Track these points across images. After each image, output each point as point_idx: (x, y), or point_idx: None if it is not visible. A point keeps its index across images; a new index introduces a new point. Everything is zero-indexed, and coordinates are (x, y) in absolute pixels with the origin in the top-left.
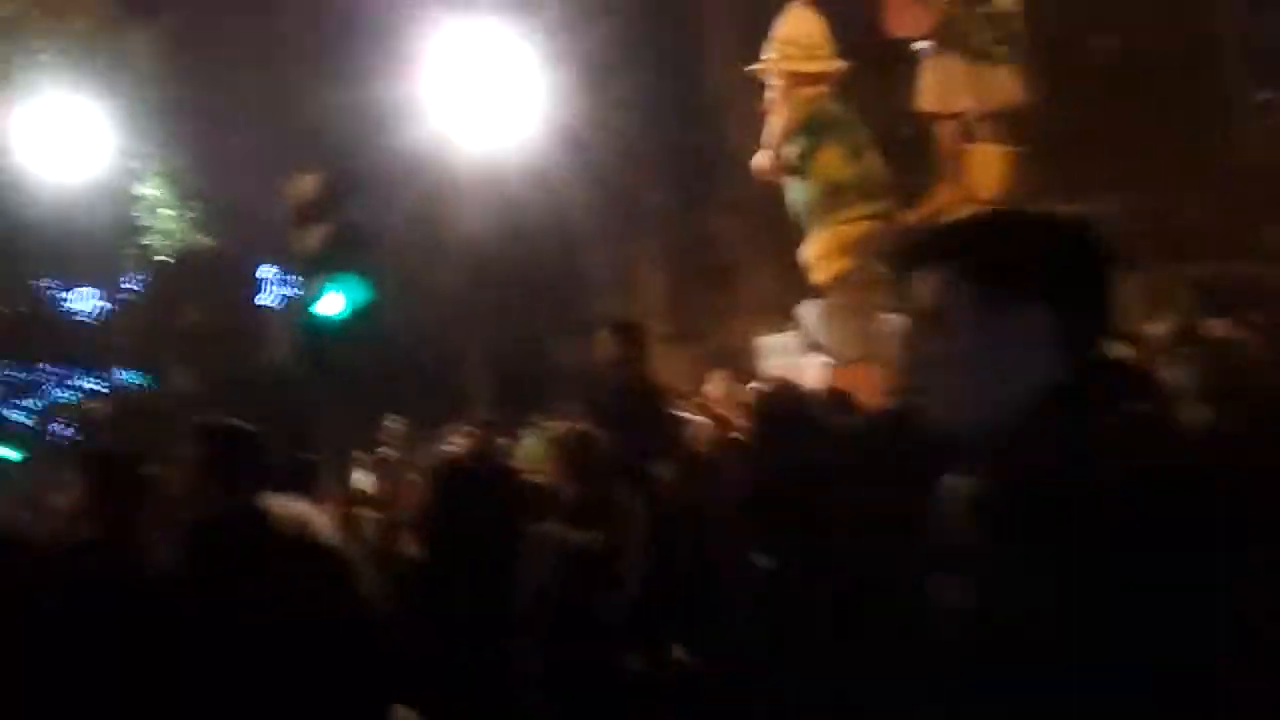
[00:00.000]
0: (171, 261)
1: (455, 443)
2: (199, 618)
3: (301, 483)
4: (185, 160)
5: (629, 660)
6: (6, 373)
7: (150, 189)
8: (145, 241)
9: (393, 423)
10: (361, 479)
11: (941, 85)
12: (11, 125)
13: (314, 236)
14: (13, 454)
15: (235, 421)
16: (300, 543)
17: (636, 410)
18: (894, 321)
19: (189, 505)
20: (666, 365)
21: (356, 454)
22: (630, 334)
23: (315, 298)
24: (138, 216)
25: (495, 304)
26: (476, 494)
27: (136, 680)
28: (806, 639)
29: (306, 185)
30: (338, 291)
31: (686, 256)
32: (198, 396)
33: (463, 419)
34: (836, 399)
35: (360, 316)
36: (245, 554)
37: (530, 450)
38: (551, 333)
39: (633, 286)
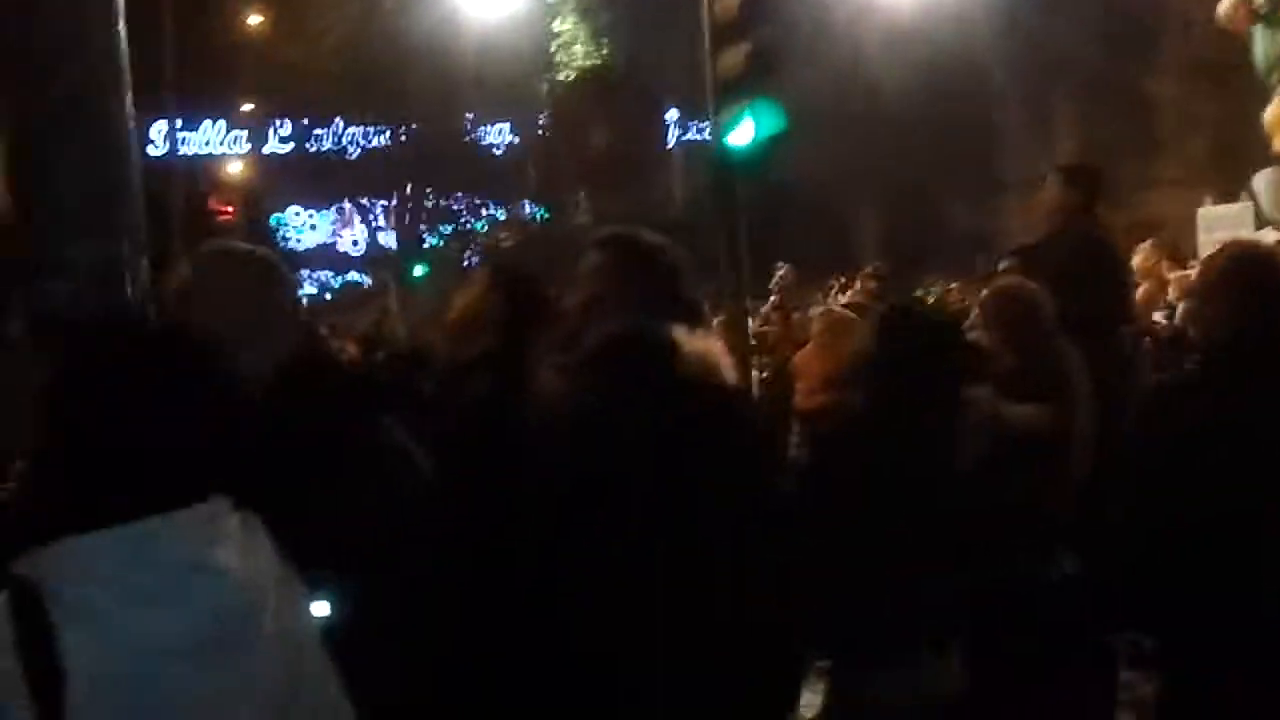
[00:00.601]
0: (581, 95)
1: (853, 292)
2: (590, 454)
3: (692, 323)
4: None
5: (1066, 562)
6: (427, 200)
7: (566, 24)
8: (559, 76)
9: (783, 268)
10: (749, 324)
11: None
12: None
13: (733, 57)
14: (424, 272)
15: (646, 234)
16: (707, 385)
17: (1086, 269)
18: None
19: (587, 325)
20: None
21: (746, 299)
22: (1083, 178)
23: (730, 125)
24: (552, 51)
25: (896, 154)
26: (925, 344)
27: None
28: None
29: (729, 2)
30: (752, 118)
31: (1113, 118)
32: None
33: (853, 270)
34: None
35: (768, 149)
36: (651, 385)
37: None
38: (952, 190)
39: (1049, 148)
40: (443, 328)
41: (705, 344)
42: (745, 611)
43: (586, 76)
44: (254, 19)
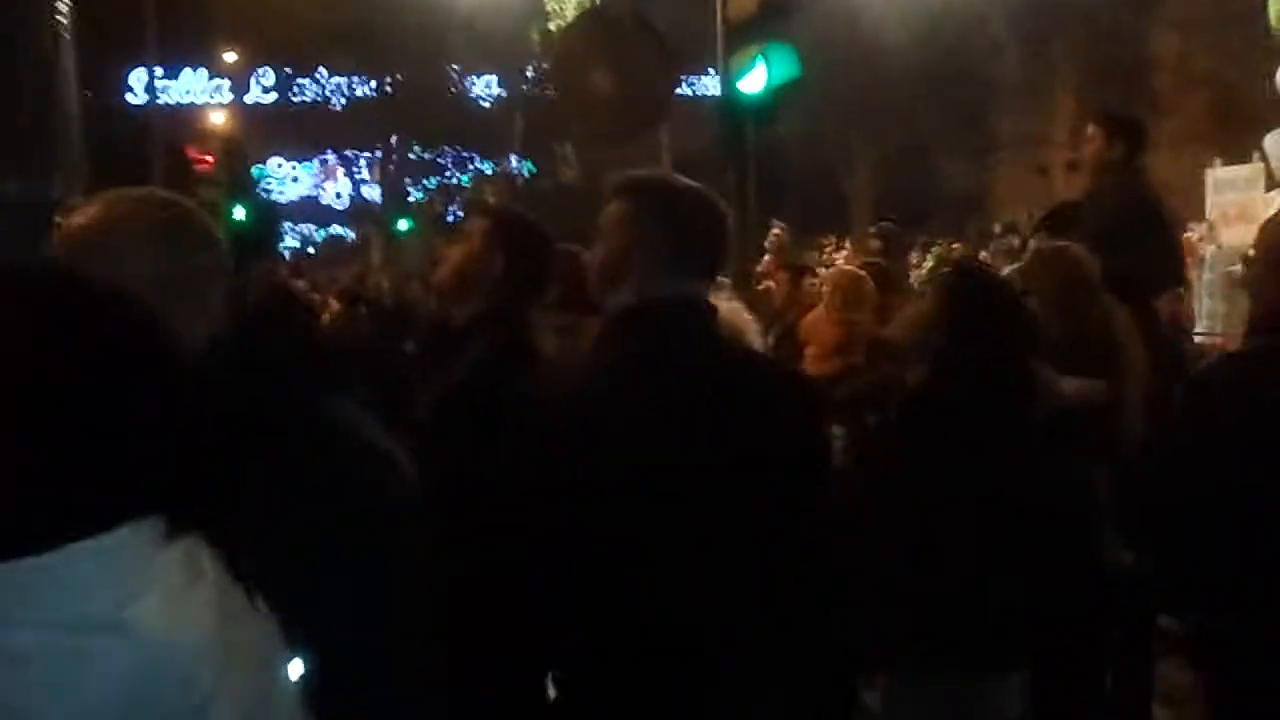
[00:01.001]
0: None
1: (850, 251)
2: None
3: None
4: None
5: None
6: (411, 152)
7: None
8: (550, 26)
9: (778, 226)
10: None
11: None
12: None
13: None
14: (408, 226)
15: (678, 179)
16: (754, 354)
17: (1133, 227)
18: None
19: (610, 284)
20: (1067, 196)
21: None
22: (1126, 130)
23: (742, 71)
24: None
25: (890, 109)
26: (997, 313)
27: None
28: None
29: None
30: (765, 63)
31: (1113, 74)
32: (583, 187)
33: (845, 229)
34: None
35: (779, 95)
36: (693, 351)
37: (927, 274)
38: (948, 148)
39: (1047, 104)
40: (433, 285)
41: (730, 307)
42: (800, 612)
43: (586, 18)
44: None
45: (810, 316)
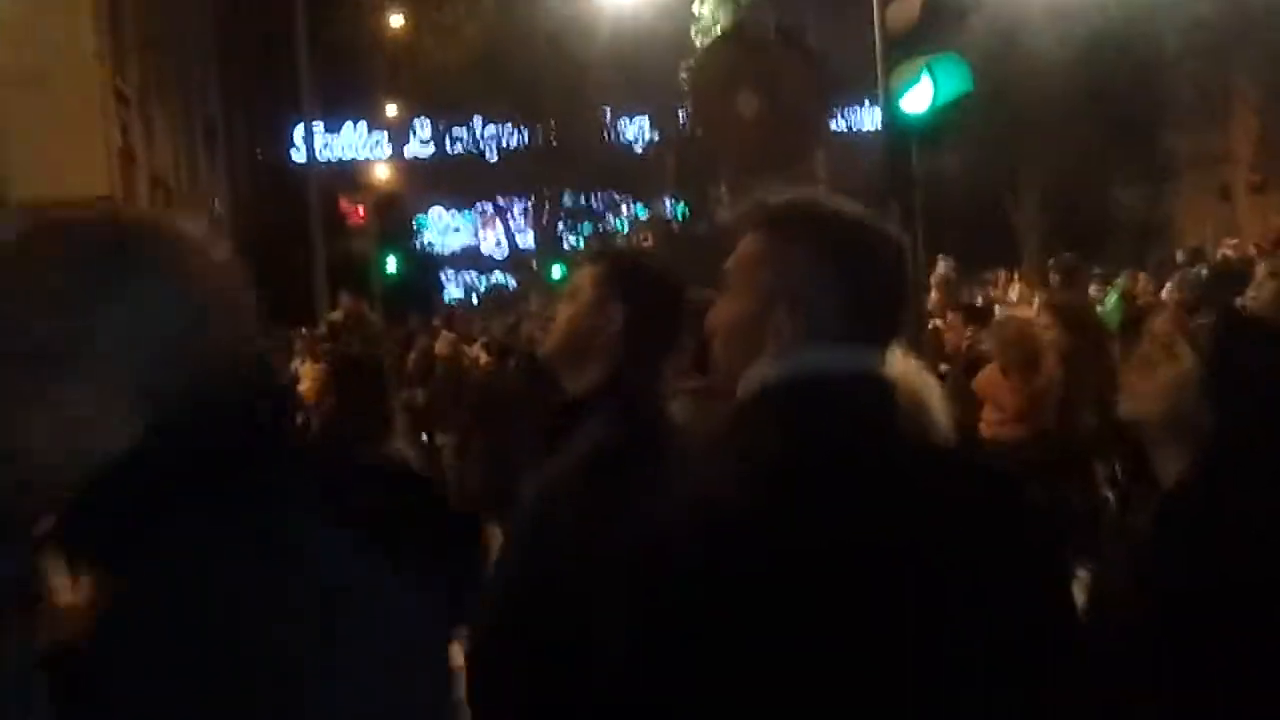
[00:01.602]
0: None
1: (1022, 286)
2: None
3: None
4: None
5: None
6: (564, 198)
7: (705, 6)
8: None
9: (945, 262)
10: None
11: None
12: None
13: (906, 6)
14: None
15: (843, 204)
16: (949, 450)
17: None
18: None
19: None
20: (1252, 219)
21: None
22: None
23: (904, 86)
24: (693, 36)
25: (1057, 136)
26: (1267, 350)
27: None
28: None
29: None
30: (930, 77)
31: None
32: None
33: (1014, 264)
34: None
35: (947, 115)
36: (865, 443)
37: (1110, 311)
38: (1119, 173)
39: (1223, 123)
40: (548, 349)
41: (907, 367)
42: None
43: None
44: (394, 19)
45: (987, 374)
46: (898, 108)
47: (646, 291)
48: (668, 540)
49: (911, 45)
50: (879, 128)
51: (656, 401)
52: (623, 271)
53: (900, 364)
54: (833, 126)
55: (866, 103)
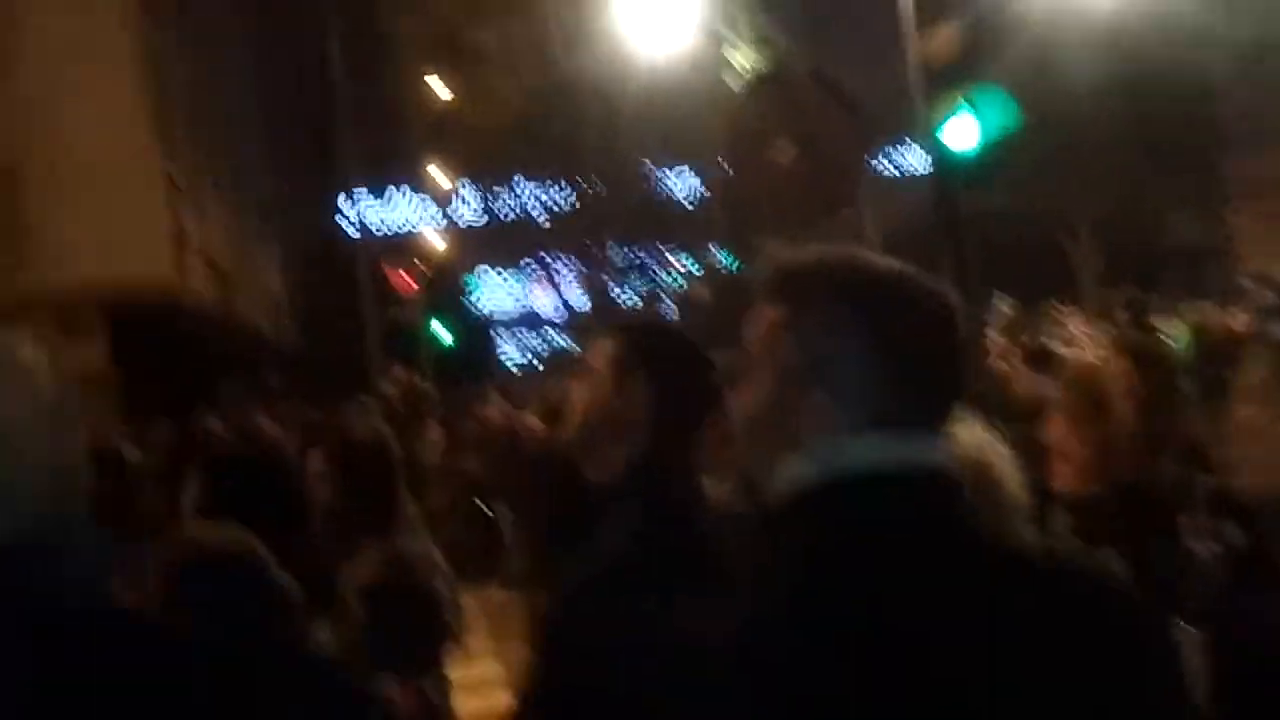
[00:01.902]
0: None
1: (1084, 322)
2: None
3: None
4: (777, 22)
5: None
6: (613, 254)
7: (741, 56)
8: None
9: (1002, 302)
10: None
11: None
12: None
13: (942, 38)
14: None
15: (881, 261)
16: (1027, 555)
17: None
18: None
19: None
20: None
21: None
22: None
23: (941, 122)
24: (732, 87)
25: (1108, 166)
26: None
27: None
28: None
29: None
30: (971, 112)
31: None
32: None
33: (1072, 299)
34: None
35: (993, 150)
36: (924, 553)
37: (1180, 343)
38: (1174, 201)
39: (1276, 148)
40: (565, 430)
41: (977, 440)
42: None
43: (760, 84)
44: (435, 82)
45: (1053, 424)
46: (945, 147)
47: (670, 365)
48: (704, 690)
49: (951, 79)
50: (924, 168)
51: (690, 482)
52: (647, 346)
53: (965, 434)
54: (876, 167)
55: (908, 142)
